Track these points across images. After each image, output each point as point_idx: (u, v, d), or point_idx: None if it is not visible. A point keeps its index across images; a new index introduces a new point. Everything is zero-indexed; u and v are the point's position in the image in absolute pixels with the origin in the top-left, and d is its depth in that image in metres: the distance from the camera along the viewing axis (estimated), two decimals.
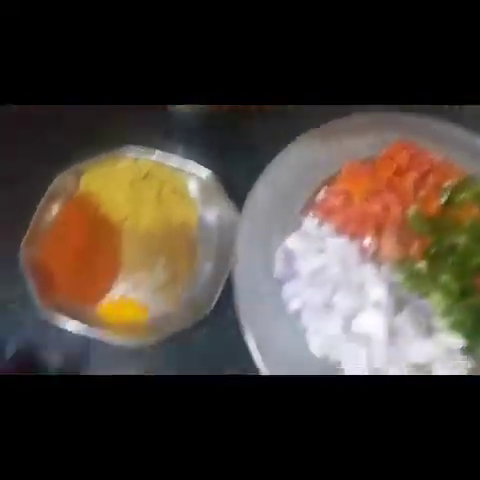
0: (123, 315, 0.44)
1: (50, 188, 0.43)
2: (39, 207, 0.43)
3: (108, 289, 0.45)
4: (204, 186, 0.47)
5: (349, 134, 0.49)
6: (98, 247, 0.45)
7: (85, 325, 0.41)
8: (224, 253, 0.45)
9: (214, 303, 0.43)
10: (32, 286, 0.41)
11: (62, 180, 0.44)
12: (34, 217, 0.42)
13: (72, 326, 0.41)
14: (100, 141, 0.46)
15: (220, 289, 0.43)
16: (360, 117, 0.48)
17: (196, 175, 0.47)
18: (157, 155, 0.47)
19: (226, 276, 0.43)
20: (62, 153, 0.46)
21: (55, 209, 0.44)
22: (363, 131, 0.49)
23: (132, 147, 0.46)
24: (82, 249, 0.44)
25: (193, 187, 0.48)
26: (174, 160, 0.47)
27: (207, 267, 0.47)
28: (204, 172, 0.47)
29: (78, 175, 0.46)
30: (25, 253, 0.41)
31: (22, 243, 0.41)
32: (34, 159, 0.47)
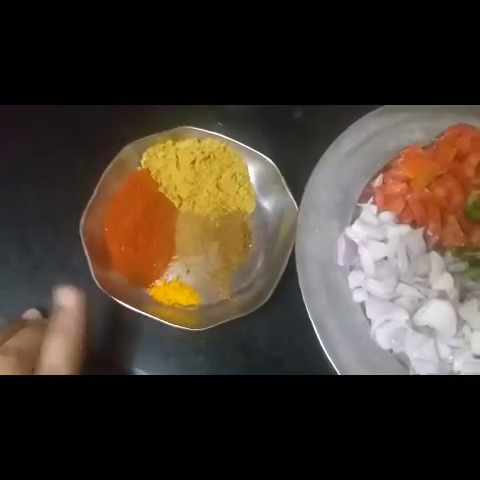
0: (175, 298, 0.43)
1: (112, 163, 0.42)
2: (100, 181, 0.41)
3: (163, 270, 0.44)
4: (263, 173, 0.46)
5: (403, 119, 0.48)
6: (155, 226, 0.43)
7: (136, 305, 0.40)
8: (281, 242, 0.44)
9: (270, 294, 0.40)
10: (90, 261, 0.39)
11: (124, 155, 0.43)
12: (95, 191, 0.41)
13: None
14: (163, 121, 0.45)
15: (277, 280, 0.41)
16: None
17: (256, 162, 0.46)
18: (220, 138, 0.46)
19: (284, 266, 0.42)
20: (126, 130, 0.45)
21: (116, 184, 0.43)
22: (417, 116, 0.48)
23: (195, 128, 0.45)
24: (139, 227, 0.42)
25: (253, 174, 0.47)
26: (236, 145, 0.46)
27: (262, 256, 0.45)
28: (264, 160, 0.45)
29: (140, 151, 0.44)
30: (84, 228, 0.39)
31: (82, 217, 0.40)
32: (97, 135, 0.46)
